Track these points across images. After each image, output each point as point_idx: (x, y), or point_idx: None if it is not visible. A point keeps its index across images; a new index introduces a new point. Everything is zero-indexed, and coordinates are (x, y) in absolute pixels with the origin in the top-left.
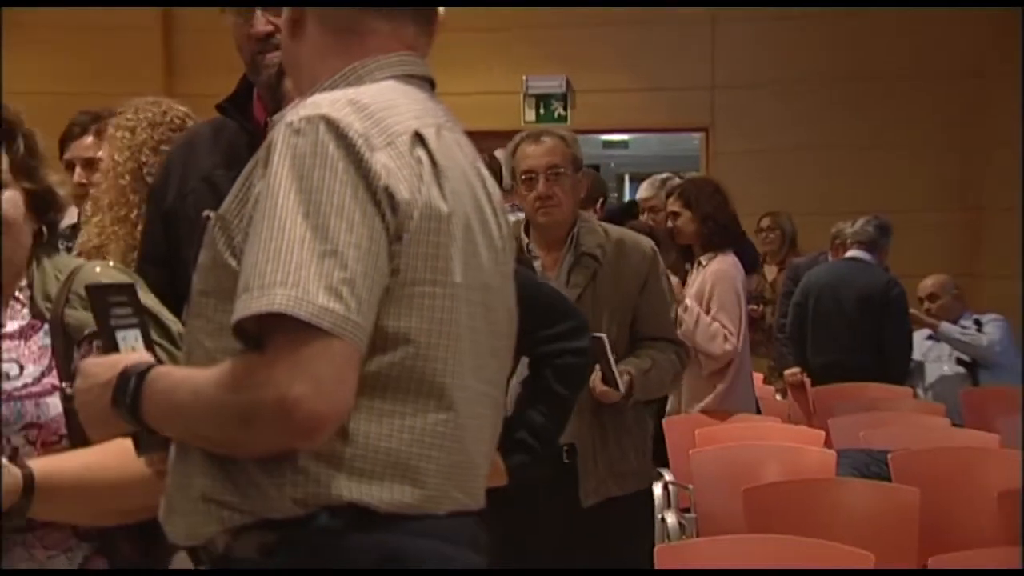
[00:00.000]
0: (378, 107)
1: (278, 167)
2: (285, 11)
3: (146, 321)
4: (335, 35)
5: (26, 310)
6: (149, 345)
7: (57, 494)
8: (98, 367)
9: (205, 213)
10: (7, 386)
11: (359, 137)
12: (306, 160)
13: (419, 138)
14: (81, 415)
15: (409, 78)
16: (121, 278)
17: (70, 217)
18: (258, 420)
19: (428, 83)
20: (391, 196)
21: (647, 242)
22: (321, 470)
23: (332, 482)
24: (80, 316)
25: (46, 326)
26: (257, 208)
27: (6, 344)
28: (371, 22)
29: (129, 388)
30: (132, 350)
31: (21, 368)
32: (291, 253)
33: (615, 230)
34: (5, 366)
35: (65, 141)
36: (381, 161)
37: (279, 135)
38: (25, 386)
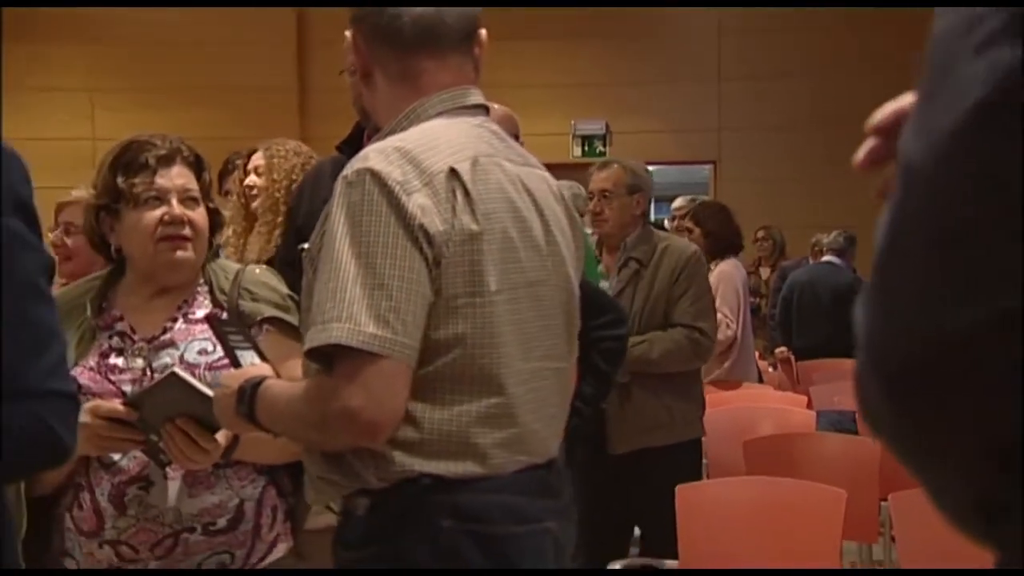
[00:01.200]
0: (420, 150)
1: (336, 215)
2: (359, 65)
3: (256, 342)
4: (395, 83)
5: (207, 301)
6: (263, 358)
7: (254, 441)
8: (229, 379)
9: (300, 246)
10: (208, 359)
11: (397, 185)
12: (356, 209)
13: (454, 173)
14: (217, 414)
15: (457, 110)
16: (270, 276)
17: None
18: (330, 427)
19: (477, 108)
20: (426, 232)
21: (689, 247)
22: (396, 454)
23: (406, 462)
24: (250, 305)
25: (224, 313)
26: (322, 250)
27: (200, 327)
28: (419, 63)
29: (246, 398)
30: (252, 364)
31: (214, 345)
32: (345, 291)
33: (664, 238)
34: (203, 344)
35: (223, 175)
36: (418, 202)
37: (339, 187)
38: (220, 359)
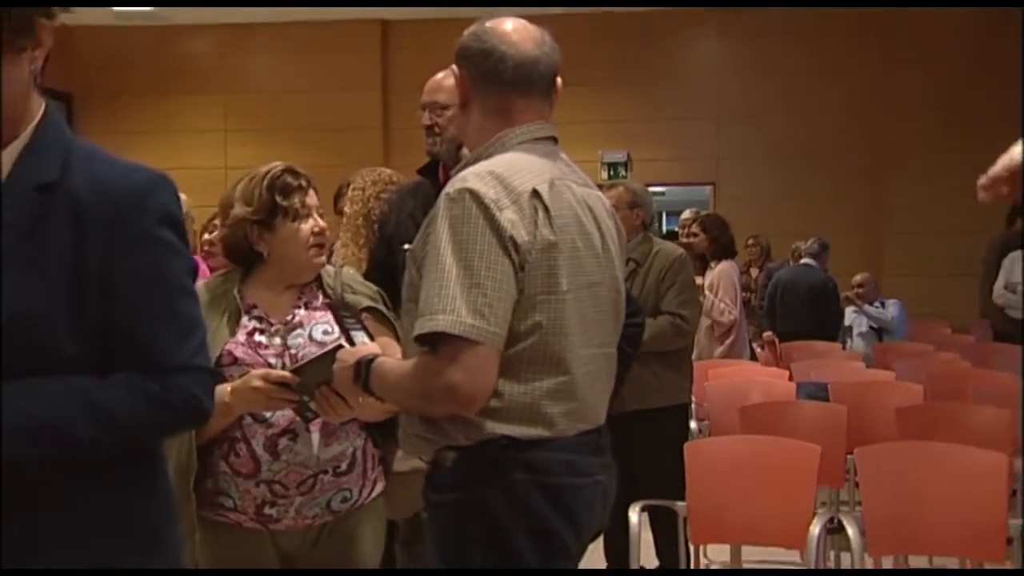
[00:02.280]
0: (508, 173)
1: (440, 225)
2: (460, 95)
3: (366, 325)
4: (489, 114)
5: (320, 294)
6: (370, 337)
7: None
8: (347, 355)
9: (404, 246)
10: (329, 339)
11: (491, 202)
12: (457, 221)
13: (536, 193)
14: (337, 385)
15: (536, 141)
16: (358, 278)
17: None
18: (434, 398)
19: (551, 139)
20: (514, 241)
21: (677, 250)
22: (481, 419)
23: (489, 425)
24: (352, 297)
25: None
26: (428, 252)
27: (319, 314)
28: (513, 102)
29: (362, 372)
30: (363, 343)
31: (332, 327)
32: (448, 289)
33: (659, 243)
34: (323, 326)
35: (337, 197)
36: (508, 217)
37: (442, 202)
38: (335, 339)
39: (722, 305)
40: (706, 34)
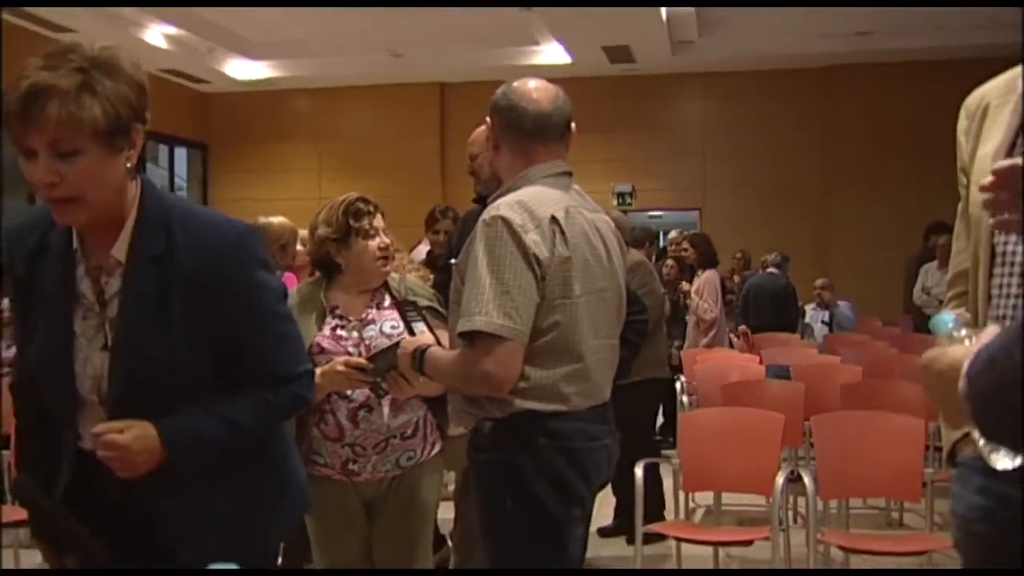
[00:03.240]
0: (532, 203)
1: (478, 244)
2: (492, 141)
3: (424, 317)
4: (515, 155)
5: (387, 295)
6: (430, 328)
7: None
8: (407, 344)
9: (451, 260)
10: (395, 332)
11: (518, 227)
12: (491, 241)
13: (554, 219)
14: (401, 368)
15: (554, 176)
16: (421, 281)
17: None
18: (472, 382)
19: (566, 174)
20: (537, 258)
21: (636, 257)
22: (512, 397)
23: (518, 401)
24: (414, 298)
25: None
26: (468, 266)
27: (387, 313)
28: (532, 146)
29: (417, 358)
30: (422, 333)
31: (398, 323)
32: (484, 295)
33: (634, 255)
34: (391, 322)
35: (430, 221)
36: (532, 238)
37: (479, 226)
38: (399, 333)
39: (705, 305)
40: (693, 94)
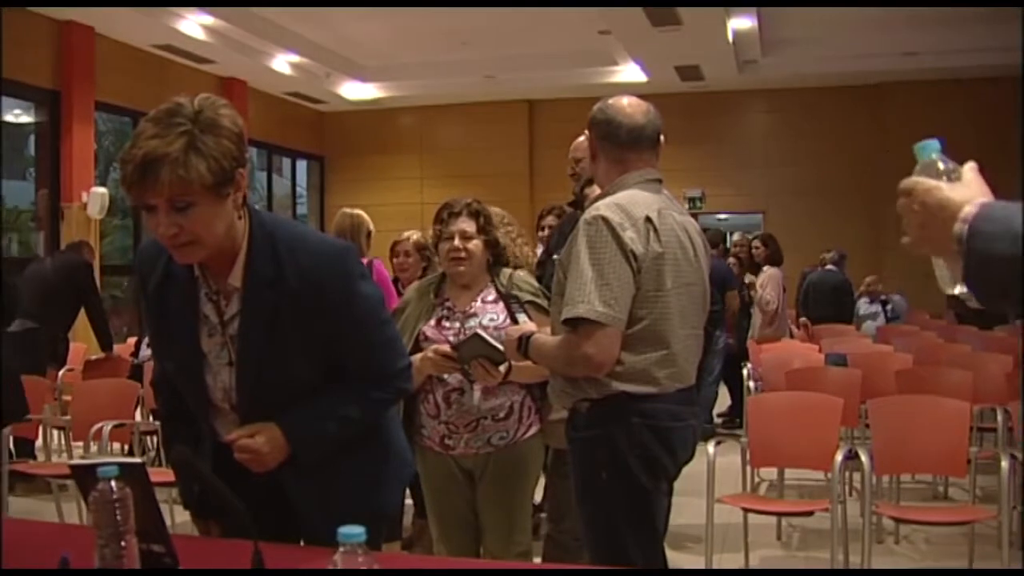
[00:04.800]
0: (628, 205)
1: (580, 241)
2: (590, 151)
3: (525, 309)
4: (611, 164)
5: (494, 290)
6: (529, 318)
7: (519, 369)
8: (513, 331)
9: (554, 256)
10: (495, 324)
11: (617, 225)
12: (593, 238)
13: (648, 219)
14: (507, 352)
15: (646, 182)
16: (529, 276)
17: None
18: (574, 364)
19: (657, 180)
20: (633, 253)
21: None
22: (608, 379)
23: (614, 384)
24: (518, 293)
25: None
26: (571, 261)
27: (490, 307)
28: (626, 156)
29: (523, 344)
30: (523, 322)
31: (498, 316)
32: (586, 286)
33: None
34: (491, 315)
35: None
36: (629, 235)
37: (581, 224)
38: (502, 323)
39: (768, 297)
40: (757, 108)
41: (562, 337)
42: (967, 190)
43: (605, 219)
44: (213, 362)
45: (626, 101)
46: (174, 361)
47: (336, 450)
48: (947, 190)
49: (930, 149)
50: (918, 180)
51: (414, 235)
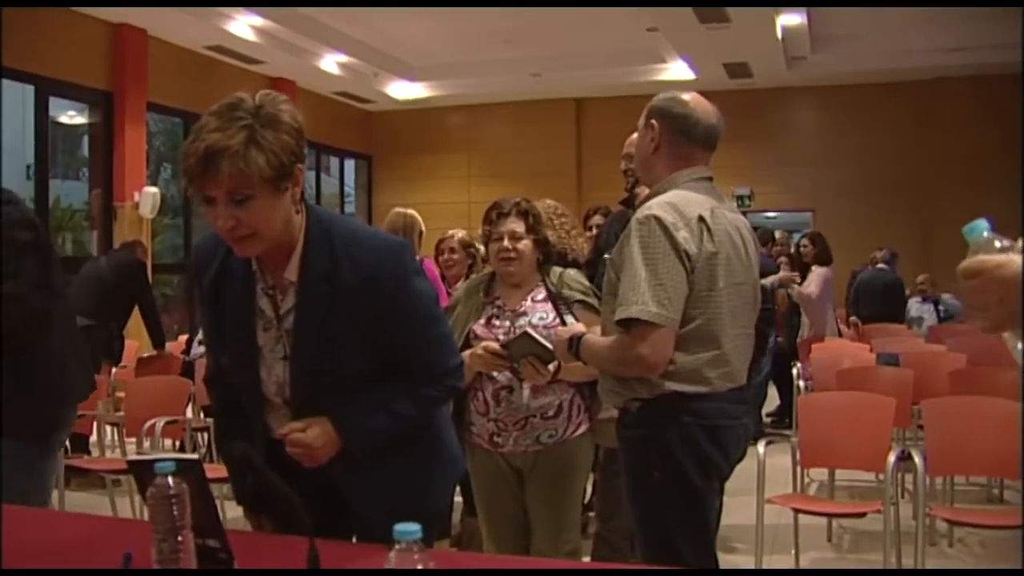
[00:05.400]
0: (681, 204)
1: (633, 241)
2: (653, 143)
3: (571, 309)
4: (674, 158)
5: (543, 289)
6: (576, 319)
7: (568, 369)
8: (562, 332)
9: (605, 255)
10: (544, 323)
11: (670, 225)
12: (646, 238)
13: (701, 218)
14: (556, 353)
15: (699, 180)
16: (579, 275)
17: None
18: (628, 365)
19: (709, 179)
20: (687, 253)
21: None
22: (660, 379)
23: (666, 383)
24: (568, 292)
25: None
26: (623, 260)
27: (540, 305)
28: (694, 152)
29: (574, 344)
30: (572, 323)
31: (547, 315)
32: (640, 285)
33: None
34: (541, 314)
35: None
36: (682, 235)
37: (634, 224)
38: (551, 322)
39: (808, 293)
40: (806, 105)
41: (615, 338)
42: None
43: (658, 219)
44: (268, 356)
45: (690, 97)
46: (229, 355)
47: (388, 446)
48: (1018, 261)
49: (981, 228)
50: (984, 258)
51: (459, 233)
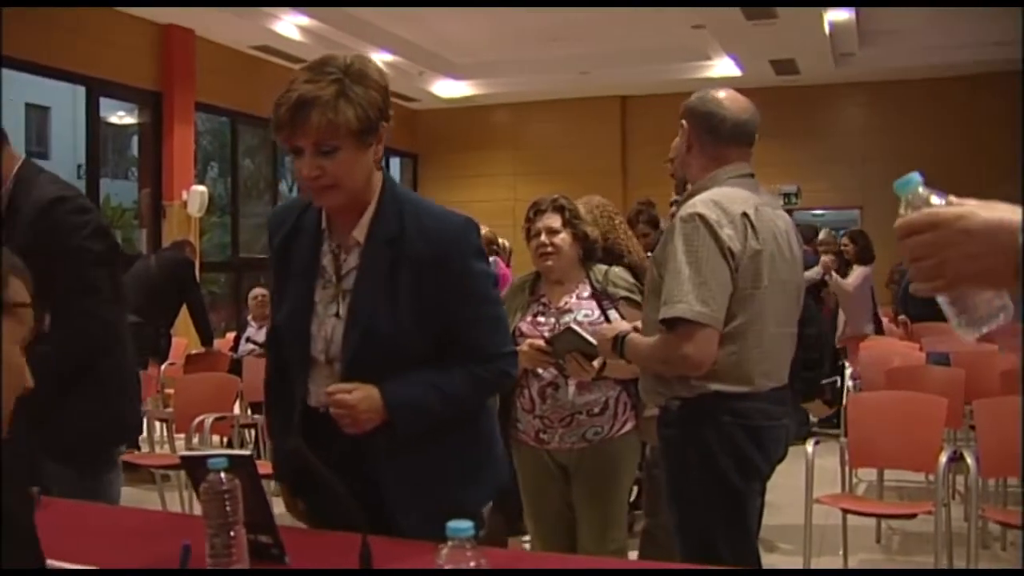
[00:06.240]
0: (725, 201)
1: (677, 239)
2: (686, 143)
3: (616, 306)
4: (708, 158)
5: (588, 287)
6: (621, 316)
7: (613, 366)
8: (606, 330)
9: (647, 253)
10: (589, 319)
11: (714, 222)
12: (690, 236)
13: (745, 215)
14: (600, 350)
15: (740, 178)
16: (625, 273)
17: None
18: (672, 363)
19: (751, 176)
20: (731, 251)
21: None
22: (701, 380)
23: (706, 382)
24: (613, 289)
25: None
26: (667, 259)
27: (584, 303)
28: (725, 149)
29: (618, 342)
30: (615, 320)
31: (592, 312)
32: (684, 284)
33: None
34: (585, 311)
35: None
36: (727, 233)
37: (678, 222)
38: (595, 319)
39: (847, 289)
40: (854, 101)
41: (660, 337)
42: (988, 210)
43: (702, 216)
44: (321, 312)
45: (729, 95)
46: (284, 312)
47: (434, 429)
48: (982, 211)
49: (915, 182)
50: (937, 210)
51: (483, 230)
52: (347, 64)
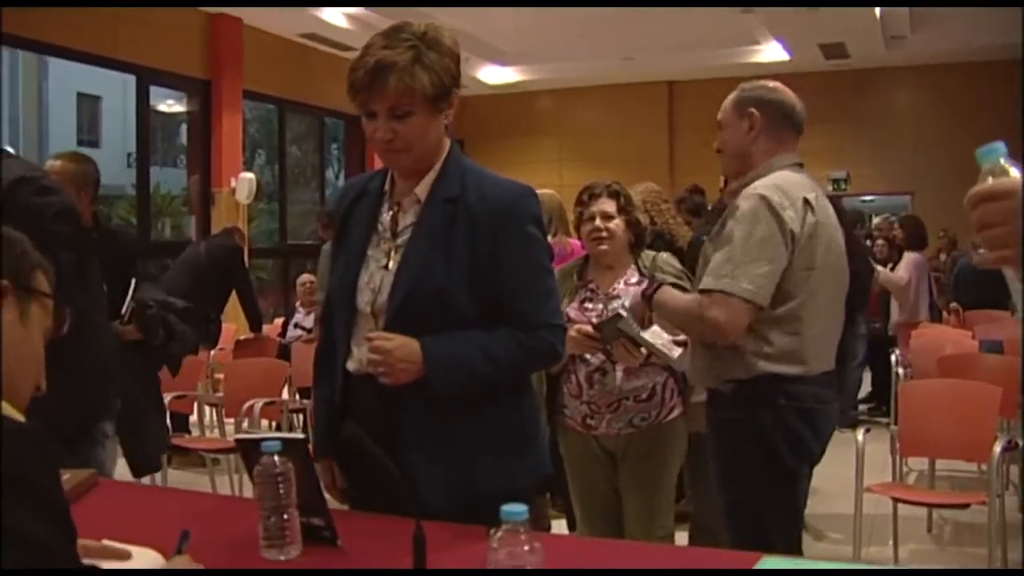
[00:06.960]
0: (787, 187)
1: (738, 218)
2: (748, 128)
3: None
4: (773, 142)
5: (636, 272)
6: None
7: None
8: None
9: (701, 236)
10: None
11: (777, 205)
12: (752, 216)
13: (806, 200)
14: (632, 308)
15: (792, 166)
16: (672, 259)
17: None
18: (700, 324)
19: (800, 165)
20: (792, 232)
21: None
22: (756, 360)
23: (762, 364)
24: (661, 275)
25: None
26: (724, 236)
27: (632, 288)
28: (785, 135)
29: (648, 292)
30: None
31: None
32: (735, 258)
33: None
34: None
35: (680, 202)
36: (788, 215)
37: (740, 202)
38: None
39: (898, 275)
40: (904, 85)
41: (695, 296)
42: None
43: (765, 199)
44: (371, 264)
45: (775, 84)
46: (339, 271)
47: (471, 394)
48: None
49: (999, 152)
50: (1014, 179)
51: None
52: (422, 31)
